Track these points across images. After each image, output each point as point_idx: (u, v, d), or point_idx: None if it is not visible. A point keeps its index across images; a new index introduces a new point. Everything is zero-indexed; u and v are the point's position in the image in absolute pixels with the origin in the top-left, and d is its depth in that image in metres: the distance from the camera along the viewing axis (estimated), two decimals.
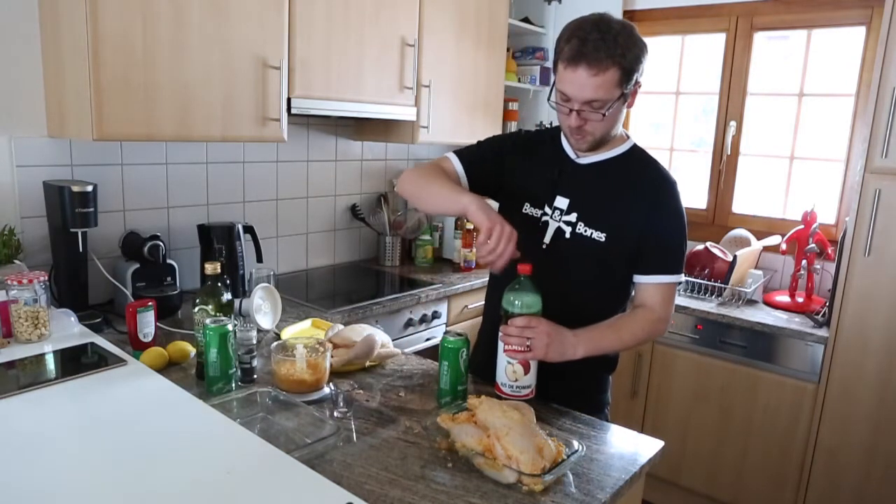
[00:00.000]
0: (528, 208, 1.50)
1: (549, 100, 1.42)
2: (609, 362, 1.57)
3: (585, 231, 1.43)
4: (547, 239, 1.46)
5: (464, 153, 1.55)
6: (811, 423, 2.36)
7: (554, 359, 1.33)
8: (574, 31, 1.31)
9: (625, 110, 1.41)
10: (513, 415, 1.17)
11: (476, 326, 1.73)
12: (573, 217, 1.44)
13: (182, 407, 1.16)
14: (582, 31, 1.29)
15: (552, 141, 1.51)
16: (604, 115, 1.33)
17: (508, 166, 1.54)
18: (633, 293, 1.52)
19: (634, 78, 1.34)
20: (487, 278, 1.65)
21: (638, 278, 1.46)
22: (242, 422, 1.14)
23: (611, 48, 1.27)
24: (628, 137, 1.50)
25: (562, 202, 1.46)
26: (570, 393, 1.47)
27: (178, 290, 2.02)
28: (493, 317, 1.52)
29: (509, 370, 1.36)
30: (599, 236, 1.42)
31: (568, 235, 1.44)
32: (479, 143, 1.60)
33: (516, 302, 1.35)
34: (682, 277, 1.47)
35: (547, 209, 1.47)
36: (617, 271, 1.47)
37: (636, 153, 1.49)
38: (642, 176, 1.45)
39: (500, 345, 1.37)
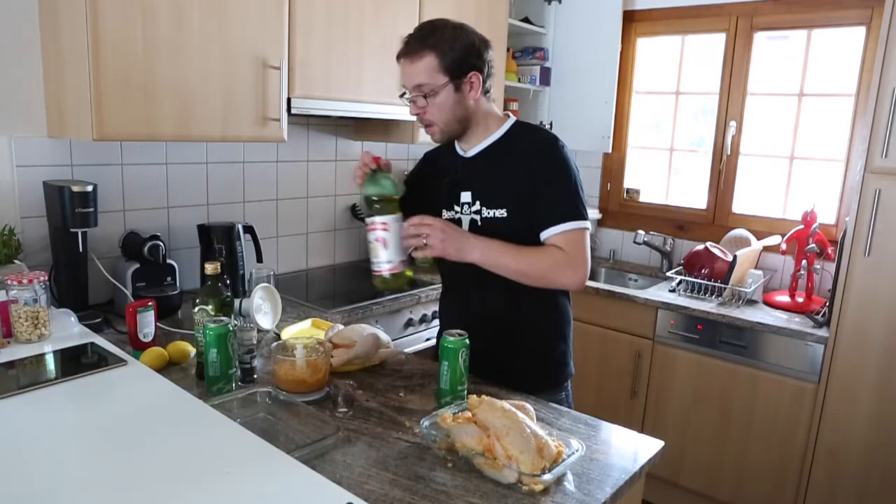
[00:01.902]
0: (446, 214, 1.60)
1: (401, 97, 1.54)
2: (557, 326, 1.62)
3: (490, 213, 1.52)
4: None
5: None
6: (811, 423, 2.36)
7: (452, 254, 1.43)
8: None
9: (468, 100, 1.49)
10: (513, 415, 1.17)
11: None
12: (478, 205, 1.55)
13: (182, 407, 1.16)
14: (408, 34, 1.48)
15: (447, 148, 1.63)
16: (426, 96, 1.46)
17: (424, 190, 1.66)
18: None
19: (462, 66, 1.45)
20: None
21: (542, 235, 1.48)
22: (242, 422, 1.14)
23: (426, 38, 1.44)
24: (509, 117, 1.59)
25: (466, 196, 1.57)
26: (528, 369, 1.56)
27: (178, 290, 2.02)
28: (448, 317, 1.66)
29: (371, 249, 1.49)
30: (502, 213, 1.51)
31: (480, 223, 1.54)
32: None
33: (372, 189, 1.47)
34: (586, 223, 1.49)
35: (457, 207, 1.58)
36: (530, 241, 1.51)
37: (517, 129, 1.57)
38: (524, 145, 1.53)
39: (371, 234, 1.47)
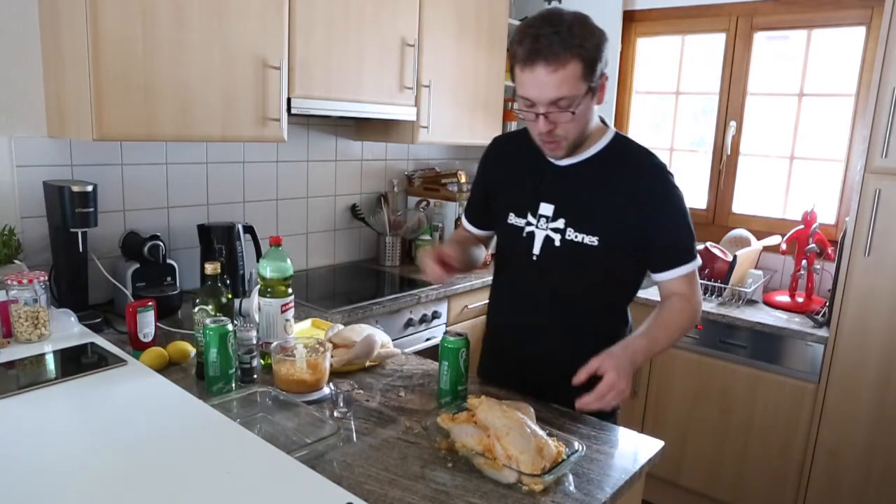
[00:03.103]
0: (513, 218, 1.46)
1: (512, 108, 1.35)
2: None
3: (576, 237, 1.37)
4: (536, 250, 1.42)
5: (466, 210, 1.65)
6: (811, 423, 2.36)
7: (631, 381, 1.26)
8: (525, 29, 1.23)
9: (595, 109, 1.34)
10: (513, 415, 1.17)
11: (476, 326, 1.73)
12: (561, 223, 1.39)
13: (182, 407, 1.16)
14: (533, 29, 1.22)
15: (529, 143, 1.40)
16: (573, 112, 1.25)
17: (492, 184, 1.52)
18: (637, 293, 1.50)
19: (598, 69, 1.25)
20: (490, 279, 1.65)
21: (658, 277, 1.40)
22: (242, 422, 1.15)
23: (567, 40, 1.20)
24: (608, 127, 1.42)
25: (546, 209, 1.41)
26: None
27: (178, 290, 2.02)
28: (497, 321, 1.55)
29: None
30: (592, 240, 1.36)
31: (558, 243, 1.39)
32: (473, 183, 1.64)
33: (268, 268, 1.52)
34: (699, 259, 1.41)
35: (531, 218, 1.42)
36: (617, 272, 1.41)
37: (619, 144, 1.41)
38: (629, 168, 1.37)
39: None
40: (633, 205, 1.34)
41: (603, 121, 1.42)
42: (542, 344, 1.47)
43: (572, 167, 1.39)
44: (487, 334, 1.65)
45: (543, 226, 1.41)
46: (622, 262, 1.39)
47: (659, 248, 1.37)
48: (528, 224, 1.43)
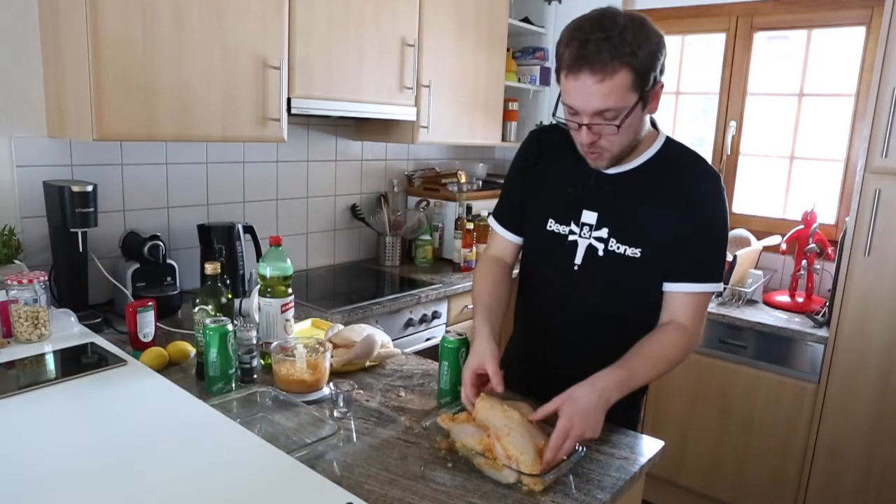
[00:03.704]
0: (552, 225, 1.37)
1: (553, 115, 1.25)
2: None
3: (619, 248, 1.30)
4: (578, 259, 1.34)
5: (499, 211, 1.50)
6: (811, 422, 2.36)
7: (602, 417, 1.18)
8: (573, 32, 1.14)
9: (646, 117, 1.25)
10: (513, 415, 1.17)
11: None
12: (604, 233, 1.31)
13: (182, 407, 1.16)
14: (582, 32, 1.13)
15: (570, 140, 1.29)
16: (618, 126, 1.17)
17: (533, 184, 1.42)
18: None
19: (652, 78, 1.15)
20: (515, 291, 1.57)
21: (668, 286, 1.30)
22: (242, 422, 1.14)
23: (617, 47, 1.10)
24: (659, 132, 1.34)
25: (589, 216, 1.33)
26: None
27: (178, 290, 2.02)
28: (522, 331, 1.52)
29: None
30: (634, 252, 1.29)
31: (601, 253, 1.32)
32: (504, 184, 1.51)
33: (268, 268, 1.53)
34: (720, 286, 1.30)
35: (574, 226, 1.34)
36: (656, 285, 1.32)
37: (670, 149, 1.32)
38: (679, 175, 1.29)
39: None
40: (676, 212, 1.27)
41: (654, 124, 1.34)
42: (570, 356, 1.42)
43: (619, 175, 1.31)
44: (509, 342, 1.62)
45: (587, 234, 1.33)
46: (658, 273, 1.31)
47: (681, 256, 1.28)
48: (571, 233, 1.35)
